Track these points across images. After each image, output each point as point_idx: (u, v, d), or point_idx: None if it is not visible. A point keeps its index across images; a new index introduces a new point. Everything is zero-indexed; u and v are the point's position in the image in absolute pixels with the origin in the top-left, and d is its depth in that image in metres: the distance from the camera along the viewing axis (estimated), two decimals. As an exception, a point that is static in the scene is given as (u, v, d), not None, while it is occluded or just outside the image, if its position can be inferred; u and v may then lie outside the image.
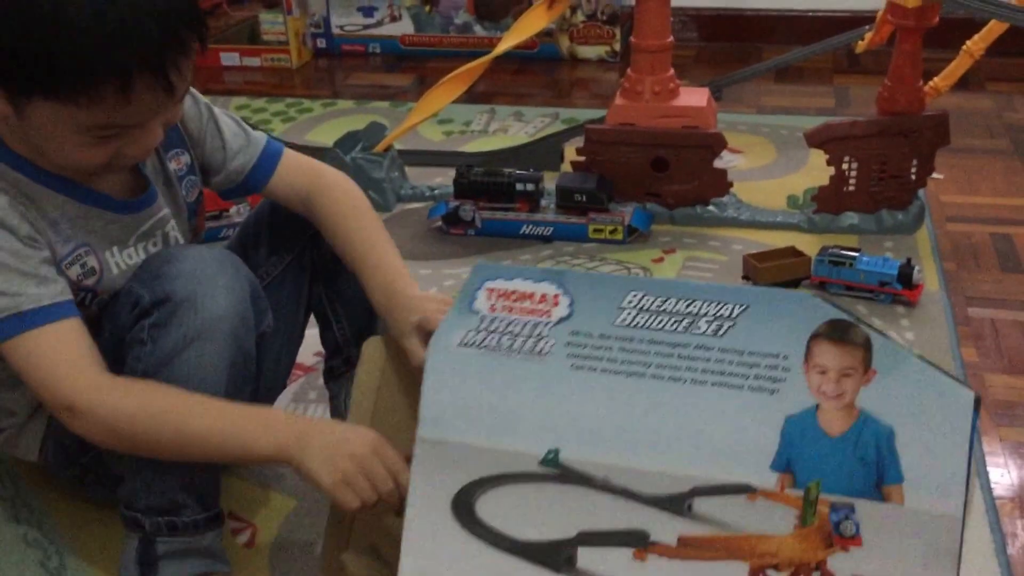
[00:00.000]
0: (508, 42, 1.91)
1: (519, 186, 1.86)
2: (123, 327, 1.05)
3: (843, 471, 0.90)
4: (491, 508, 0.94)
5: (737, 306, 0.94)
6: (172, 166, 1.14)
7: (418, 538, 0.94)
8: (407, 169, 2.07)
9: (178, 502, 1.05)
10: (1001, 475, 1.28)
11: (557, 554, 0.92)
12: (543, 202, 1.88)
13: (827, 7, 2.83)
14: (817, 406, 0.90)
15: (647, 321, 0.95)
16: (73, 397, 0.98)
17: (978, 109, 2.44)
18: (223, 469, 1.17)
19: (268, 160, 1.20)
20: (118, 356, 1.04)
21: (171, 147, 1.13)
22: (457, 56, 2.35)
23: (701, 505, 0.91)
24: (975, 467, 0.91)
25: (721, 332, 0.93)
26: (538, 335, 0.97)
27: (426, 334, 1.03)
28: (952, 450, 0.88)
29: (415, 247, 1.85)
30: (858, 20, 2.05)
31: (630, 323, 0.96)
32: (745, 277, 1.70)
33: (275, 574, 1.14)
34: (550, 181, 1.90)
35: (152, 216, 1.11)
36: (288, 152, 1.22)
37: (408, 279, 1.13)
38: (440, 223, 1.89)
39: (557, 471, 0.94)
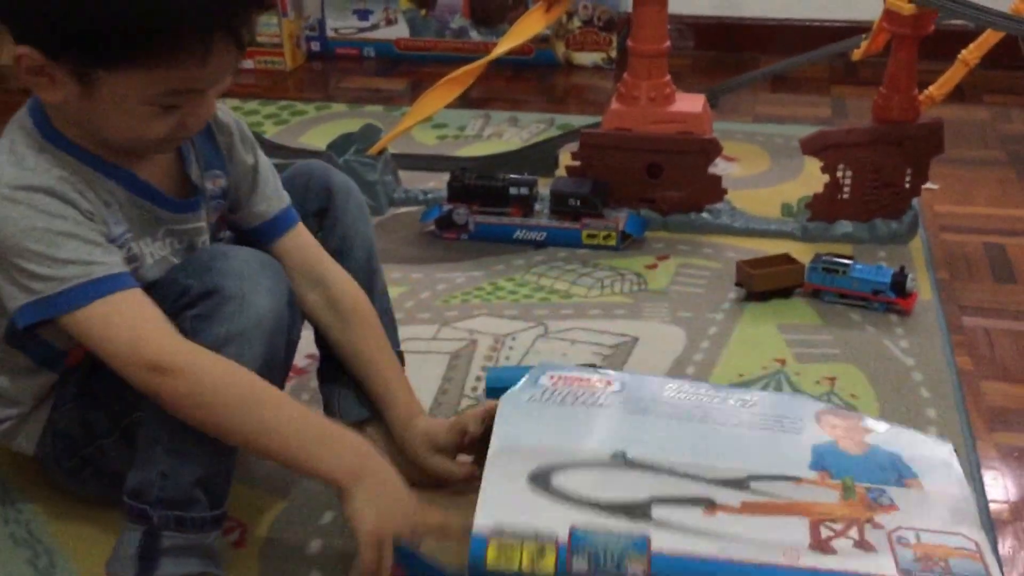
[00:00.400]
0: (505, 45, 1.92)
1: (513, 190, 1.87)
2: (168, 316, 1.06)
3: (868, 471, 1.06)
4: (567, 481, 1.02)
5: (757, 395, 1.17)
6: (208, 185, 1.16)
7: (492, 502, 0.99)
8: (401, 172, 2.07)
9: (191, 497, 1.05)
10: (995, 478, 1.30)
11: (633, 509, 0.99)
12: (537, 207, 1.89)
13: (824, 17, 2.85)
14: (835, 441, 1.10)
15: (688, 396, 1.15)
16: (161, 356, 1.00)
17: (974, 120, 2.46)
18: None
19: (286, 219, 1.22)
20: None
21: (211, 167, 1.16)
22: (453, 61, 2.36)
23: (758, 485, 1.03)
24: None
25: (747, 406, 1.14)
26: (596, 398, 1.13)
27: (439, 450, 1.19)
28: (948, 466, 1.08)
29: (407, 251, 1.86)
30: (855, 30, 2.06)
31: (675, 395, 1.15)
32: (738, 284, 1.71)
33: (264, 571, 1.14)
34: (544, 186, 1.91)
35: (190, 222, 1.14)
36: (302, 226, 1.24)
37: (415, 406, 1.25)
38: (433, 227, 1.90)
39: (625, 462, 1.05)
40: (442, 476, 1.21)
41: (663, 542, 0.95)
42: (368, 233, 1.31)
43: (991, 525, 1.20)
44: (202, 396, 1.01)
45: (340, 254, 1.27)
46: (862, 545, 0.96)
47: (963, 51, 1.81)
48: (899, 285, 1.62)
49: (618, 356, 1.55)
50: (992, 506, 1.24)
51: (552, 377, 1.16)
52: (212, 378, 1.01)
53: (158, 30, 0.94)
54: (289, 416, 1.03)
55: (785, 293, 1.69)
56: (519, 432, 1.08)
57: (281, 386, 1.15)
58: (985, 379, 1.49)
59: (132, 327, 1.00)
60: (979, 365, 1.53)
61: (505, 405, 1.12)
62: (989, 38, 1.82)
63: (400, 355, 1.33)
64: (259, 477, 1.26)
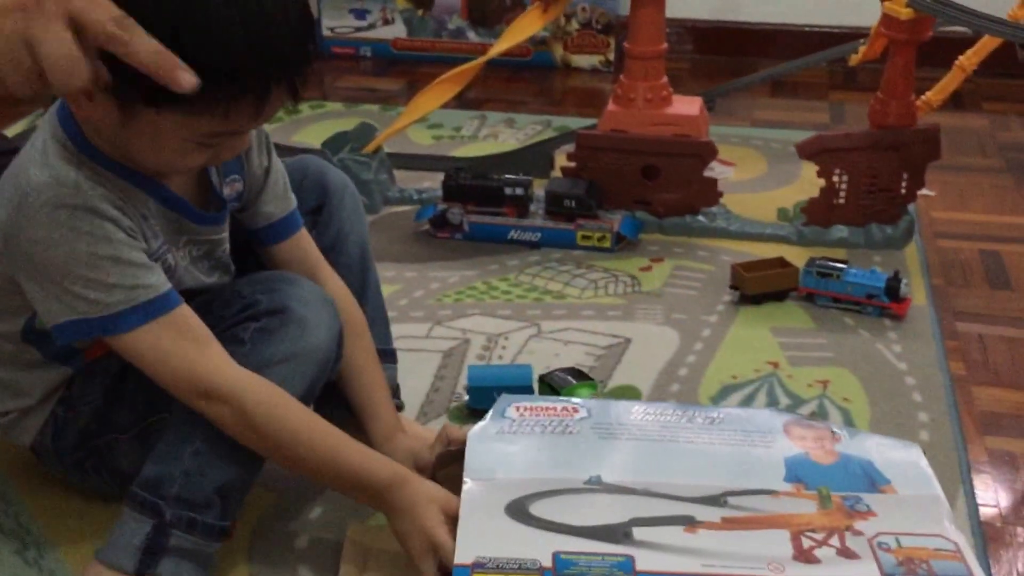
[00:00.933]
0: (502, 44, 1.93)
1: (508, 190, 1.88)
2: (223, 323, 1.09)
3: (842, 480, 1.07)
4: (545, 509, 1.03)
5: (723, 412, 1.18)
6: (226, 191, 1.17)
7: (471, 536, 1.00)
8: (396, 172, 2.09)
9: (208, 501, 1.07)
10: (985, 482, 1.31)
11: (614, 532, 1.00)
12: (532, 207, 1.90)
13: (823, 22, 2.87)
14: (806, 452, 1.11)
15: (655, 417, 1.16)
16: (212, 381, 1.02)
17: (972, 128, 2.48)
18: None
19: (291, 223, 1.23)
20: None
21: (230, 172, 1.16)
22: (449, 61, 2.37)
23: (735, 500, 1.05)
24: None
25: (715, 423, 1.15)
26: (565, 425, 1.14)
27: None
28: (918, 468, 1.10)
29: (401, 250, 1.87)
30: (854, 36, 2.08)
31: (641, 418, 1.16)
32: (732, 287, 1.72)
33: (253, 565, 1.15)
34: (540, 187, 1.93)
35: (215, 234, 1.15)
36: (304, 231, 1.25)
37: (397, 423, 1.26)
38: (427, 226, 1.91)
39: (601, 487, 1.06)
40: None
41: (648, 562, 0.96)
42: (363, 230, 1.32)
43: (981, 528, 1.22)
44: (252, 423, 1.04)
45: (334, 251, 1.28)
46: (845, 553, 0.97)
47: (960, 57, 1.83)
48: (893, 290, 1.64)
49: (611, 357, 1.56)
50: (982, 510, 1.25)
51: (518, 408, 1.17)
52: (263, 407, 1.03)
53: (215, 81, 0.92)
54: (332, 447, 1.07)
55: (779, 296, 1.71)
56: (491, 466, 1.08)
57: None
58: (977, 384, 1.51)
59: (181, 352, 1.02)
60: (972, 370, 1.54)
61: (474, 441, 1.12)
62: (987, 44, 1.83)
63: (392, 353, 1.34)
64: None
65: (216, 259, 1.17)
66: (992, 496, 1.29)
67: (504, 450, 1.11)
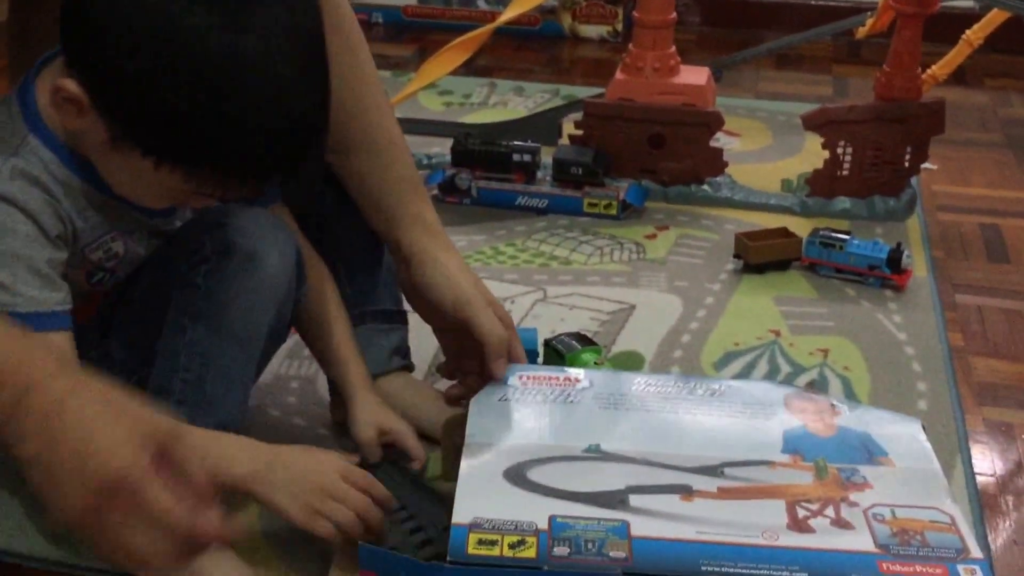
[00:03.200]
0: (511, 12, 1.91)
1: (516, 157, 1.86)
2: (174, 269, 1.06)
3: (840, 451, 1.05)
4: (543, 475, 1.02)
5: (724, 384, 1.16)
6: None
7: (469, 497, 0.98)
8: (406, 136, 2.06)
9: None
10: (982, 452, 1.30)
11: (610, 498, 0.98)
12: (539, 174, 1.88)
13: (829, -3, 2.83)
14: (805, 424, 1.09)
15: (656, 389, 1.15)
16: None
17: (974, 103, 2.45)
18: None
19: (268, 194, 1.16)
20: (158, 296, 1.05)
21: None
22: (460, 28, 2.34)
23: (732, 471, 1.03)
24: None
25: (715, 395, 1.13)
26: (566, 395, 1.13)
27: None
28: (917, 442, 1.08)
29: (411, 213, 1.85)
30: (857, 10, 2.05)
31: (643, 389, 1.14)
32: (736, 256, 1.70)
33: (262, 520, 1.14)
34: (547, 154, 1.90)
35: (167, 225, 1.11)
36: (281, 204, 1.19)
37: (363, 384, 1.19)
38: (436, 191, 1.89)
39: (600, 455, 1.05)
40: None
41: (643, 528, 0.94)
42: None
43: (978, 496, 1.20)
44: None
45: (346, 211, 1.22)
46: (839, 523, 0.96)
47: (967, 31, 1.80)
48: (895, 261, 1.62)
49: (615, 323, 1.54)
50: (979, 479, 1.24)
51: (521, 377, 1.15)
52: None
53: (222, 171, 0.91)
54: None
55: (782, 266, 1.69)
56: (491, 432, 1.07)
57: (280, 343, 1.15)
58: (975, 355, 1.49)
59: None
60: (970, 341, 1.53)
61: (476, 406, 1.11)
62: (994, 19, 1.80)
63: (403, 314, 1.31)
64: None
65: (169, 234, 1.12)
66: (989, 465, 1.28)
67: (505, 417, 1.10)
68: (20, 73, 1.27)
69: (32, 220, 0.96)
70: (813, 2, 2.85)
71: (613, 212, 1.84)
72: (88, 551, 1.08)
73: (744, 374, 1.43)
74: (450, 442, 1.12)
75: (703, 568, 0.90)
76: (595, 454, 1.05)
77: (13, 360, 0.83)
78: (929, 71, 1.83)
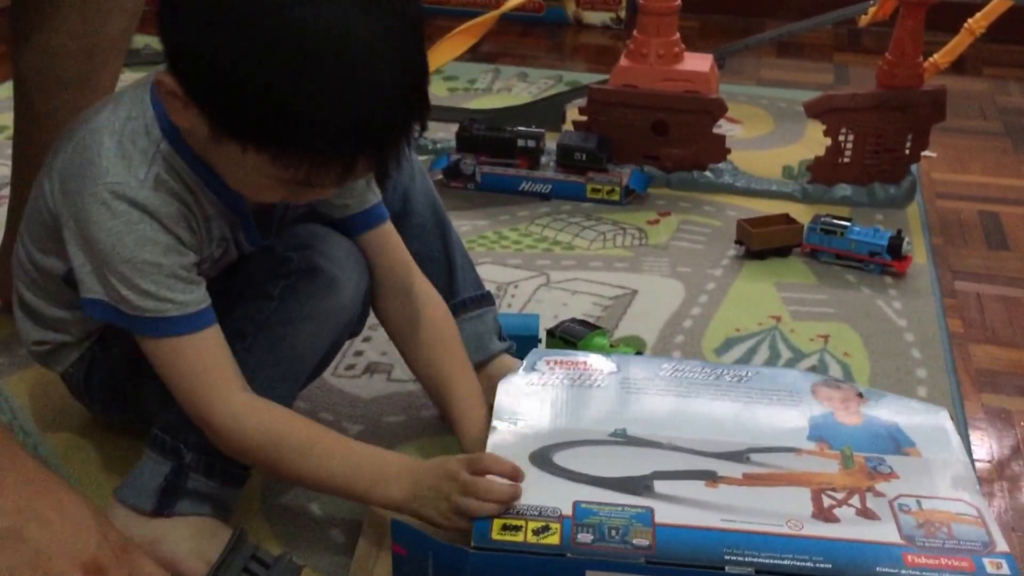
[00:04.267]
0: (516, -1, 1.89)
1: (520, 142, 1.84)
2: (255, 278, 1.05)
3: (867, 440, 1.04)
4: (568, 459, 1.01)
5: (751, 370, 1.15)
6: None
7: (496, 477, 0.97)
8: (411, 122, 2.05)
9: None
10: (982, 437, 1.29)
11: (635, 484, 0.97)
12: (543, 160, 1.87)
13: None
14: (832, 412, 1.08)
15: (684, 374, 1.14)
16: (209, 418, 0.98)
17: (973, 92, 2.44)
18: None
19: (373, 214, 1.14)
20: (233, 300, 1.04)
21: None
22: (464, 15, 2.32)
23: (758, 457, 1.02)
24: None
25: (742, 381, 1.12)
26: (593, 379, 1.12)
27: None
28: (944, 433, 1.06)
29: (415, 198, 1.84)
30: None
31: (670, 374, 1.14)
32: (738, 242, 1.69)
33: (265, 506, 1.14)
34: (551, 140, 1.89)
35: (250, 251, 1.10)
36: (391, 226, 1.16)
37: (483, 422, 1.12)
38: (441, 176, 1.88)
39: (625, 439, 1.04)
40: None
41: (667, 515, 0.93)
42: (428, 186, 1.25)
43: (978, 485, 1.19)
44: (251, 456, 1.00)
45: (405, 212, 1.22)
46: (864, 513, 0.94)
47: (969, 20, 1.78)
48: (895, 248, 1.61)
49: (617, 308, 1.53)
50: (978, 465, 1.23)
51: (548, 362, 1.15)
52: (258, 438, 0.98)
53: (301, 146, 0.88)
54: (339, 462, 1.00)
55: (783, 252, 1.67)
56: (518, 416, 1.06)
57: (319, 374, 1.14)
58: (975, 342, 1.48)
59: (190, 379, 0.97)
60: (969, 328, 1.52)
61: (503, 390, 1.10)
62: (996, 7, 1.78)
63: (489, 295, 1.28)
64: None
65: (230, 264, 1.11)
66: (988, 452, 1.27)
67: (532, 400, 1.09)
68: (20, 58, 1.26)
69: (169, 231, 0.96)
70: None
71: (616, 198, 1.83)
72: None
73: (745, 359, 1.42)
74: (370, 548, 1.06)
75: (726, 557, 0.89)
76: (621, 438, 1.04)
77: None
78: (931, 59, 1.81)
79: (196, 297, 0.98)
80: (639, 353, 1.34)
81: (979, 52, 2.48)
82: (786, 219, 1.70)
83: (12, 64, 1.27)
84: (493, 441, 1.02)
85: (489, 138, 1.85)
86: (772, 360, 1.41)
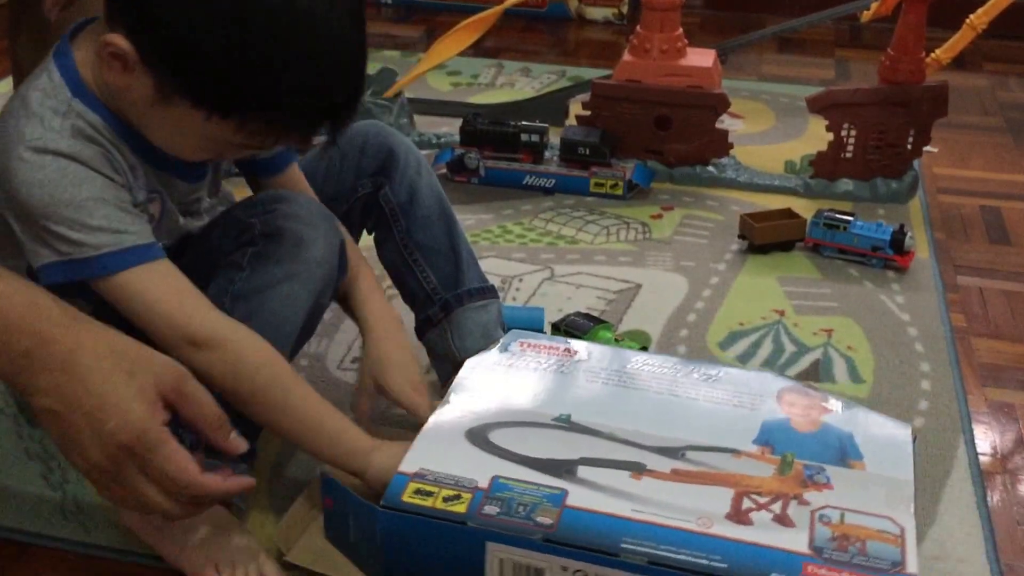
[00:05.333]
0: (520, -6, 1.87)
1: (524, 137, 1.83)
2: (221, 250, 1.05)
3: (813, 449, 1.02)
4: (503, 437, 1.01)
5: (723, 371, 1.13)
6: None
7: (422, 450, 0.98)
8: (415, 116, 2.04)
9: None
10: (984, 432, 1.28)
11: (559, 467, 0.97)
12: (547, 154, 1.86)
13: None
14: (788, 419, 1.06)
15: (653, 369, 1.13)
16: (200, 330, 0.95)
17: (974, 87, 2.42)
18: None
19: (282, 157, 1.15)
20: (203, 277, 1.03)
21: None
22: (467, 10, 2.30)
23: (694, 455, 1.00)
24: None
25: (709, 380, 1.11)
26: (560, 365, 1.13)
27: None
28: (899, 450, 1.03)
29: (420, 192, 1.82)
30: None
31: (639, 368, 1.13)
32: (741, 236, 1.68)
33: (272, 502, 1.13)
34: (555, 135, 1.88)
35: (198, 191, 1.10)
36: (296, 167, 1.17)
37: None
38: (445, 170, 1.87)
39: (568, 425, 1.04)
40: (409, 409, 1.13)
41: (579, 499, 0.93)
42: (433, 181, 1.25)
43: (981, 476, 1.18)
44: (242, 370, 0.97)
45: (411, 204, 1.23)
46: (781, 520, 0.92)
47: (971, 16, 1.77)
48: (898, 243, 1.60)
49: (621, 302, 1.52)
50: (981, 458, 1.22)
51: (522, 344, 1.15)
52: (254, 355, 0.97)
53: (266, 118, 0.90)
54: (312, 408, 1.00)
55: (786, 246, 1.66)
56: (472, 391, 1.07)
57: (310, 335, 1.12)
58: (977, 336, 1.47)
59: (171, 298, 0.96)
60: (972, 323, 1.51)
61: (468, 366, 1.11)
62: (997, 4, 1.77)
63: (493, 288, 1.26)
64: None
65: (193, 210, 1.11)
66: (991, 445, 1.26)
67: (492, 378, 1.10)
68: (19, 52, 1.25)
69: (98, 172, 0.95)
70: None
71: (619, 192, 1.82)
72: (96, 528, 1.07)
73: (749, 353, 1.41)
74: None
75: (623, 545, 0.89)
76: (563, 424, 1.04)
77: (19, 311, 0.85)
78: (933, 55, 1.79)
79: (147, 228, 0.97)
80: (644, 348, 1.32)
81: (980, 48, 2.46)
82: (789, 214, 1.69)
83: (11, 58, 1.26)
84: (438, 412, 1.04)
85: (493, 132, 1.84)
86: (776, 354, 1.40)
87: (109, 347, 0.86)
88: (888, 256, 1.60)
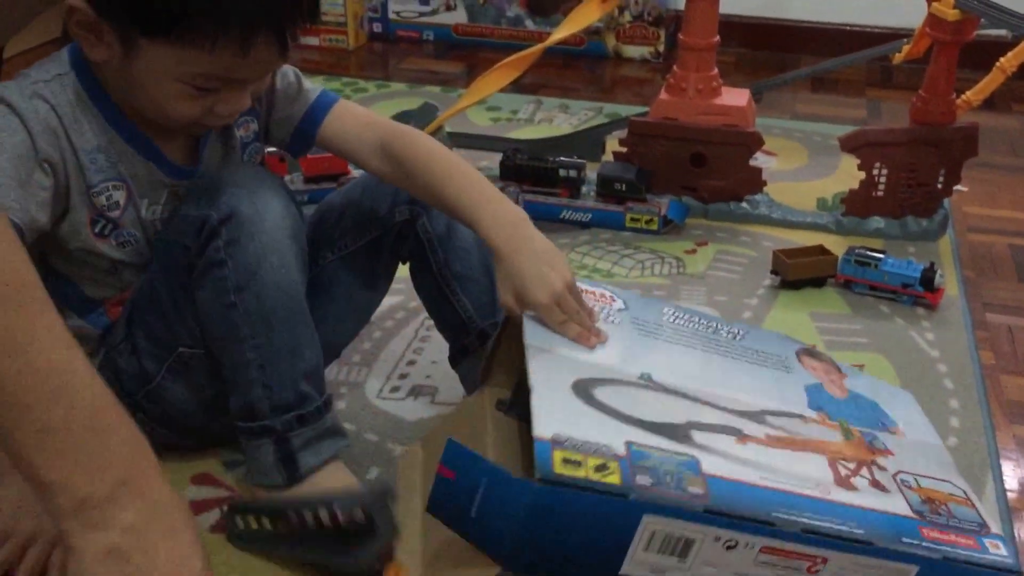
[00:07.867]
0: (561, 32, 1.90)
1: (562, 172, 1.86)
2: (190, 251, 1.05)
3: (857, 415, 1.04)
4: (607, 396, 0.95)
5: (741, 329, 1.13)
6: (240, 133, 1.15)
7: (547, 411, 0.90)
8: (456, 150, 2.06)
9: (301, 394, 1.06)
10: (1013, 468, 1.28)
11: (676, 431, 0.92)
12: (584, 189, 1.88)
13: (863, 22, 2.81)
14: (821, 383, 1.07)
15: (684, 323, 1.11)
16: None
17: (1003, 128, 2.42)
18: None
19: (320, 109, 1.17)
20: (169, 279, 1.06)
21: (242, 114, 1.12)
22: (507, 48, 2.35)
23: (772, 420, 1.00)
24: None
25: (737, 338, 1.10)
26: (607, 314, 1.09)
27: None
28: (919, 416, 1.10)
29: (460, 224, 1.85)
30: (891, 36, 2.04)
31: (673, 321, 1.11)
32: (773, 272, 1.69)
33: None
34: (592, 170, 1.90)
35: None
36: (344, 102, 1.18)
37: (524, 219, 1.11)
38: (485, 203, 1.89)
39: (652, 384, 1.00)
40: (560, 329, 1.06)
41: (712, 466, 0.88)
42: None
43: (1009, 513, 1.19)
44: None
45: (448, 236, 1.23)
46: (876, 485, 0.91)
47: (1001, 59, 1.78)
48: (928, 280, 1.60)
49: (656, 334, 1.53)
50: (1009, 495, 1.22)
51: None
52: None
53: (201, 11, 0.93)
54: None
55: (818, 283, 1.67)
56: (548, 339, 1.01)
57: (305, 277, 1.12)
58: (1006, 373, 1.47)
59: None
60: (1000, 360, 1.51)
61: (530, 318, 1.04)
62: (1027, 48, 1.78)
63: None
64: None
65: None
66: (1019, 482, 1.26)
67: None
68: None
69: (28, 133, 0.98)
70: (846, 28, 2.83)
71: (654, 227, 1.84)
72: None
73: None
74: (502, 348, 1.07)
75: (774, 515, 0.86)
76: (648, 383, 0.99)
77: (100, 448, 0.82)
78: (964, 96, 1.81)
79: (22, 206, 0.95)
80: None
81: (1010, 90, 2.46)
82: (821, 250, 1.70)
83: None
84: (535, 364, 0.95)
85: (532, 167, 1.87)
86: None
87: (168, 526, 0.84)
88: (918, 293, 1.61)
